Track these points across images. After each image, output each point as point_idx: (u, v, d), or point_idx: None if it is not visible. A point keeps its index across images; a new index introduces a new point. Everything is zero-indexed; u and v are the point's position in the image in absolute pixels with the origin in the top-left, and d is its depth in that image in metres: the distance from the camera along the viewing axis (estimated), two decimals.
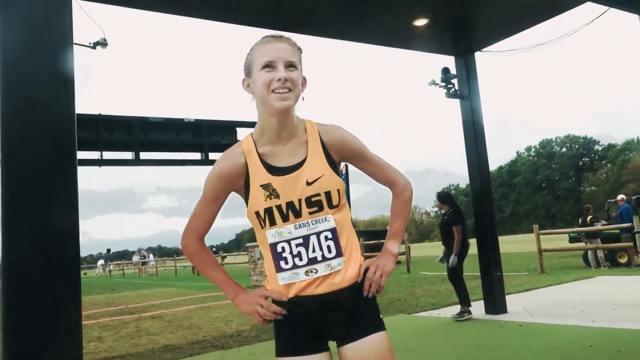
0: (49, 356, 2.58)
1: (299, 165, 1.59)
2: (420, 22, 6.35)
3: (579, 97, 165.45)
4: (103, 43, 9.68)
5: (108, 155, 16.62)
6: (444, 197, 7.44)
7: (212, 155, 16.59)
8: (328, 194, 1.58)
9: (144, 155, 17.06)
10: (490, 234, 7.27)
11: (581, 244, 14.41)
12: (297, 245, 1.56)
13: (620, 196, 14.27)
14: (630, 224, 12.16)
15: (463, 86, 7.36)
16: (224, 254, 31.71)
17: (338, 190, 1.60)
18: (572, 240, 15.99)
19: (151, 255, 44.08)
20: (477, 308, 7.13)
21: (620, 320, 5.80)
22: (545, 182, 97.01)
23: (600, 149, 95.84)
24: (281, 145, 1.61)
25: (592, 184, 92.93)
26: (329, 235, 1.57)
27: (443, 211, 7.37)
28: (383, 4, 5.80)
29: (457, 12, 6.31)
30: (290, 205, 1.56)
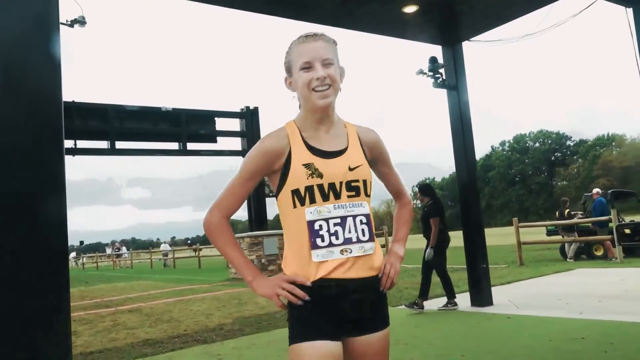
0: (37, 351, 2.37)
1: (342, 151, 1.69)
2: (410, 9, 6.21)
3: (556, 92, 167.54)
4: (81, 21, 9.23)
5: (82, 144, 16.10)
6: (424, 189, 7.46)
7: (190, 145, 16.48)
8: (365, 182, 1.69)
9: (119, 145, 16.60)
10: (476, 225, 7.21)
11: (559, 237, 14.57)
12: (335, 225, 1.61)
13: (596, 190, 14.44)
14: (607, 217, 12.36)
15: (450, 76, 7.27)
16: (201, 247, 31.35)
17: (371, 182, 1.72)
18: (550, 233, 16.18)
19: (124, 248, 43.44)
20: (463, 300, 7.09)
21: (607, 312, 5.80)
22: (518, 176, 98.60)
23: (572, 144, 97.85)
24: (323, 132, 1.71)
25: (564, 179, 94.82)
26: (364, 219, 1.65)
27: (423, 203, 7.33)
28: None
29: (447, 0, 6.19)
30: (332, 186, 1.63)
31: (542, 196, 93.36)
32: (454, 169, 7.46)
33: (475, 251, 7.13)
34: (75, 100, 13.66)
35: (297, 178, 1.62)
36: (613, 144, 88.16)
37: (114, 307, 10.46)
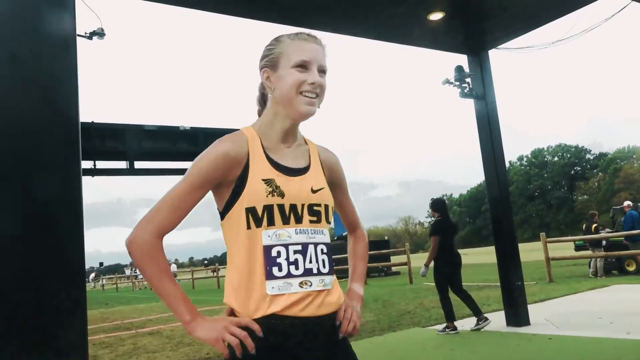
0: None
1: (305, 170, 1.49)
2: (436, 16, 6.00)
3: (577, 102, 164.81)
4: (100, 33, 9.13)
5: (101, 164, 16.06)
6: (434, 204, 7.26)
7: None
8: (327, 208, 1.49)
9: (138, 165, 16.56)
10: (510, 240, 6.89)
11: (588, 252, 14.05)
12: (295, 252, 1.39)
13: (627, 202, 13.93)
14: (639, 231, 11.86)
15: (477, 85, 7.01)
16: (219, 267, 31.16)
17: (332, 208, 1.53)
18: (578, 248, 15.64)
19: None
20: (498, 319, 6.74)
21: None
22: (538, 191, 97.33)
23: (591, 157, 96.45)
24: (285, 146, 1.50)
25: (585, 193, 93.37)
26: (325, 249, 1.45)
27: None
28: None
29: (474, 5, 5.98)
30: (293, 207, 1.41)
31: (563, 211, 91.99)
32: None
33: (509, 267, 6.80)
34: (95, 121, 13.65)
35: (255, 194, 1.38)
36: (634, 156, 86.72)
37: (134, 330, 10.24)
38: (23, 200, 2.28)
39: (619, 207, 15.01)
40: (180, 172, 18.70)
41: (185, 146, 15.84)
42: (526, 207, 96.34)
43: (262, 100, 1.57)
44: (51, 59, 2.54)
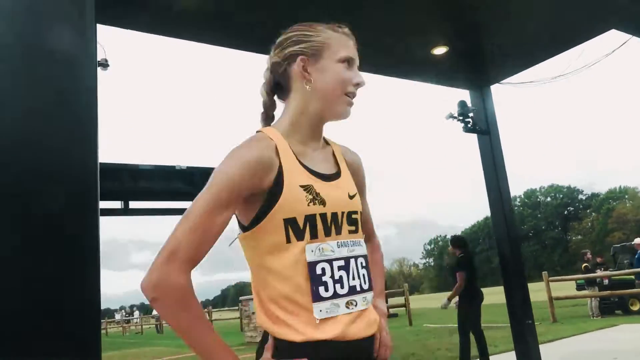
0: None
1: (337, 175, 1.32)
2: (440, 51, 5.98)
3: (568, 142, 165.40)
4: (104, 64, 9.02)
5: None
6: (456, 241, 7.34)
7: None
8: (360, 214, 1.33)
9: (133, 205, 16.33)
10: (519, 277, 6.67)
11: (594, 292, 13.77)
12: (339, 268, 1.21)
13: (638, 240, 13.74)
14: None
15: (481, 120, 6.96)
16: (212, 310, 30.51)
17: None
18: (579, 287, 15.41)
19: (136, 312, 42.59)
20: None
21: None
22: (532, 231, 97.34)
23: (584, 198, 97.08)
24: (312, 149, 1.32)
25: (578, 233, 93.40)
26: (363, 262, 1.28)
27: (455, 256, 7.25)
28: (402, 30, 5.43)
29: (478, 39, 5.97)
30: (334, 217, 1.23)
31: (557, 251, 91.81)
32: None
33: (518, 306, 6.56)
34: None
35: (294, 203, 1.19)
36: (626, 196, 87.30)
37: None
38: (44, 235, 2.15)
39: (619, 245, 14.87)
40: (176, 211, 18.40)
41: (181, 185, 15.71)
42: (521, 247, 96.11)
43: (272, 91, 1.36)
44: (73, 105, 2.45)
